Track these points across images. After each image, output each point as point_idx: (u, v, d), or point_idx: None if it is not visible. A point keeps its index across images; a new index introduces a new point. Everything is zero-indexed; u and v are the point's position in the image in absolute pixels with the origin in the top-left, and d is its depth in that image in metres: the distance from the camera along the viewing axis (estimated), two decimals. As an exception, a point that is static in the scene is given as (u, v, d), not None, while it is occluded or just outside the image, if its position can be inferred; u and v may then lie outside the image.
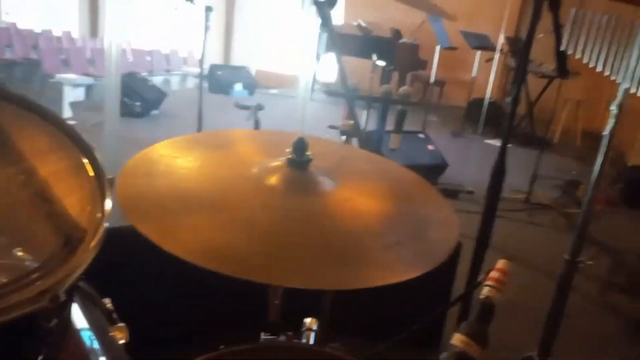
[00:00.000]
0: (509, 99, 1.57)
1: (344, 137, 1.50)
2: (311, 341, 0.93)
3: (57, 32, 9.00)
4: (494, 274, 0.69)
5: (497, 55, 6.49)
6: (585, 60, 1.39)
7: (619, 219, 4.35)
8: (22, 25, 8.65)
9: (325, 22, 1.25)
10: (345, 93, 1.32)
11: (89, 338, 0.95)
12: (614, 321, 2.63)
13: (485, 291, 0.69)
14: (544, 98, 6.58)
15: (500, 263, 0.70)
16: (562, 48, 1.39)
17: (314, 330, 0.97)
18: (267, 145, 1.15)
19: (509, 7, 6.94)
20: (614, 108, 1.37)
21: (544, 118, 6.51)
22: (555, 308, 1.58)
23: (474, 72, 6.83)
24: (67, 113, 5.67)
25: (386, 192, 1.00)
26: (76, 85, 6.30)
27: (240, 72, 9.19)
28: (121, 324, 1.06)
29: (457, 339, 0.65)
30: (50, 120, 0.89)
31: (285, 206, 0.86)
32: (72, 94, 6.16)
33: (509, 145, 1.67)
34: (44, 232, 0.76)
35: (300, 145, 0.91)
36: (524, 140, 6.29)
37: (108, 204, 0.74)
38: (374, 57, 3.33)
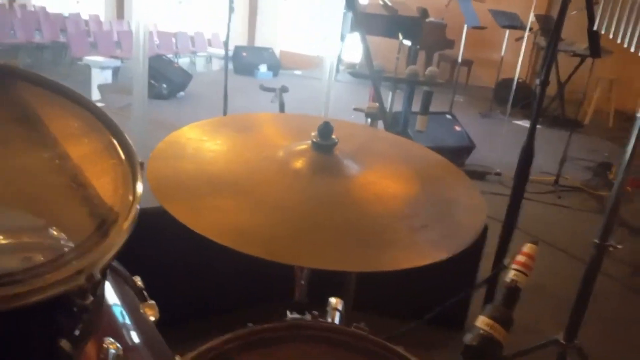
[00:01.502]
0: (538, 80, 1.53)
1: (369, 120, 1.50)
2: (336, 321, 0.94)
3: (84, 16, 9.13)
4: (520, 257, 0.69)
5: (526, 34, 6.31)
6: (618, 40, 1.34)
7: (651, 202, 4.24)
8: (50, 9, 8.80)
9: (350, 1, 1.24)
10: (370, 74, 1.31)
11: (121, 314, 0.99)
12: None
13: (511, 275, 0.68)
14: (575, 78, 6.38)
15: (527, 247, 0.70)
16: (595, 27, 1.34)
17: (339, 310, 0.99)
18: (293, 129, 1.15)
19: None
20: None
21: (576, 98, 6.34)
22: (583, 291, 1.56)
23: (503, 52, 6.66)
24: (95, 95, 5.77)
25: (412, 174, 1.00)
26: (103, 67, 6.39)
27: (264, 54, 9.17)
28: (151, 302, 1.09)
29: (481, 322, 0.65)
30: (81, 103, 0.91)
31: (311, 189, 0.87)
32: (100, 77, 6.26)
33: (539, 127, 1.64)
34: (79, 215, 0.78)
35: (326, 130, 0.91)
36: (554, 121, 6.14)
37: (139, 186, 0.76)
38: (400, 36, 3.27)
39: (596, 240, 1.52)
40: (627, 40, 1.32)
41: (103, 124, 0.88)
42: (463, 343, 0.64)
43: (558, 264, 2.87)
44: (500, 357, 0.64)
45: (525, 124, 6.55)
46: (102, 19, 9.52)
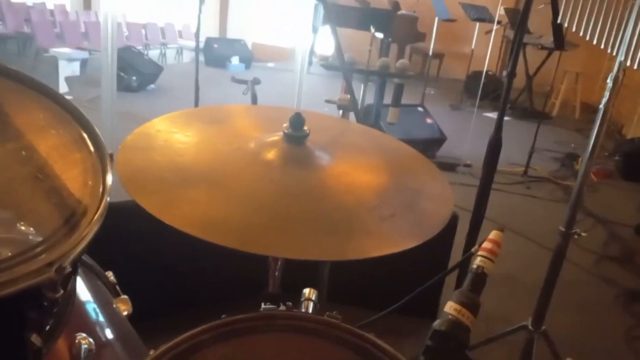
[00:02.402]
0: (505, 72, 1.56)
1: (340, 112, 1.51)
2: (310, 311, 0.96)
3: (49, 5, 8.86)
4: (486, 244, 0.71)
5: (495, 27, 6.42)
6: (581, 33, 1.39)
7: (614, 191, 4.38)
8: (13, -2, 8.51)
9: (320, -4, 1.24)
10: (341, 67, 1.32)
11: (93, 310, 0.98)
12: (608, 291, 2.69)
13: (477, 261, 0.71)
14: (543, 71, 6.55)
15: (493, 234, 0.72)
16: (559, 20, 1.38)
17: (312, 301, 1.00)
18: (265, 120, 1.15)
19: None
20: (609, 81, 1.38)
21: (543, 91, 6.48)
22: (549, 278, 1.61)
23: (473, 45, 6.76)
24: (62, 88, 5.63)
25: (382, 165, 1.01)
26: (71, 59, 6.22)
27: (236, 45, 9.08)
28: (124, 297, 1.08)
29: (450, 307, 0.67)
30: (48, 95, 0.89)
31: (283, 180, 0.88)
32: (68, 69, 6.10)
33: (508, 119, 1.67)
34: (47, 207, 0.77)
35: (297, 121, 0.92)
36: (522, 113, 6.28)
37: (109, 178, 0.75)
38: (372, 29, 3.29)
39: (561, 228, 1.57)
40: (588, 33, 1.36)
41: (71, 116, 0.87)
42: (432, 328, 0.66)
43: (527, 252, 2.95)
44: (468, 341, 0.66)
45: (495, 115, 6.67)
46: (68, 9, 9.26)
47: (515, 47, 1.52)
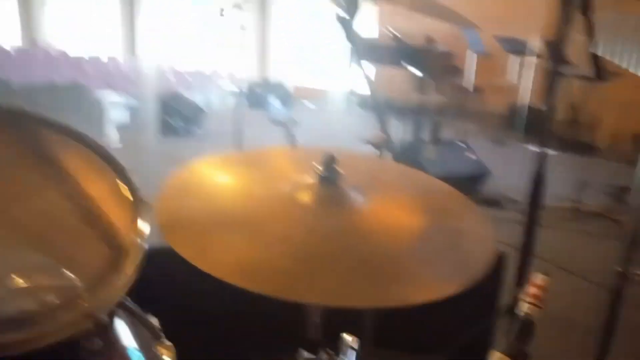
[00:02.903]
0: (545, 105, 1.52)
1: (377, 151, 1.50)
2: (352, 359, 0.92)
3: (103, 58, 9.38)
4: (531, 289, 0.67)
5: (533, 59, 6.32)
6: (618, 62, 1.33)
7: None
8: (69, 51, 9.07)
9: (349, 36, 1.25)
10: (375, 106, 1.32)
11: (137, 357, 0.97)
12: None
13: (524, 308, 0.66)
14: (590, 101, 6.36)
15: (537, 278, 0.68)
16: (595, 51, 1.34)
17: (354, 348, 0.97)
18: (301, 161, 1.15)
19: (546, 9, 6.76)
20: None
21: (591, 122, 6.28)
22: (608, 322, 1.50)
23: (514, 78, 6.67)
24: (112, 135, 5.87)
25: (419, 205, 0.99)
26: (120, 107, 6.51)
27: (277, 88, 9.31)
28: (168, 343, 1.08)
29: (496, 358, 0.63)
30: (86, 144, 0.92)
31: (318, 223, 0.87)
32: (118, 116, 6.38)
33: (555, 153, 1.61)
34: (88, 254, 0.79)
35: (329, 161, 0.91)
36: (570, 146, 6.07)
37: (146, 226, 0.77)
38: (408, 66, 3.29)
39: (618, 268, 1.47)
40: (625, 62, 1.31)
41: (108, 164, 0.89)
42: (477, 380, 0.62)
43: (582, 292, 2.79)
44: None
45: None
46: (120, 59, 9.78)
47: (552, 78, 1.48)
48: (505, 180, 4.65)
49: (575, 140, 6.20)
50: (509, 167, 5.36)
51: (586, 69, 5.82)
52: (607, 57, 1.32)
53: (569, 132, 6.60)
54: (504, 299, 2.01)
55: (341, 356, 0.98)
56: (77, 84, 7.83)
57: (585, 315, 2.41)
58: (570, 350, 2.12)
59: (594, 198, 4.49)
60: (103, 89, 7.07)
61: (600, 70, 1.83)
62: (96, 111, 6.56)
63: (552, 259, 2.83)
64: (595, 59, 1.70)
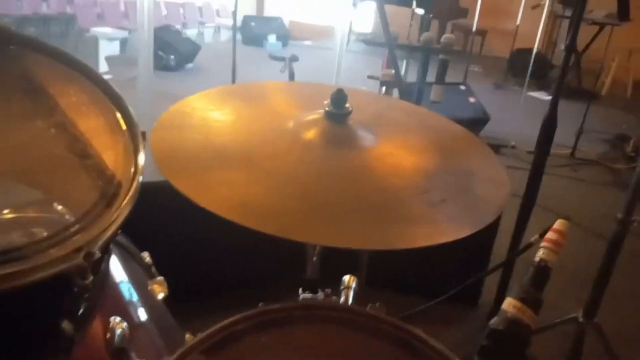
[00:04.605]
0: (562, 48, 1.45)
1: (383, 89, 1.43)
2: (350, 300, 0.91)
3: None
4: (551, 235, 0.64)
5: (547, 1, 6.08)
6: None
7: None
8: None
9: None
10: (386, 40, 1.24)
11: (128, 291, 0.96)
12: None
13: (540, 253, 0.63)
14: (592, 48, 6.21)
15: (558, 223, 0.65)
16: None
17: (353, 289, 0.95)
18: (304, 98, 1.09)
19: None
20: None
21: (593, 69, 6.16)
22: (604, 268, 1.51)
23: (518, 21, 6.46)
24: (102, 67, 5.71)
25: (430, 146, 0.94)
26: (111, 38, 6.30)
27: (273, 24, 9.01)
28: (160, 278, 1.06)
29: (509, 304, 0.60)
30: (85, 73, 0.87)
31: (324, 161, 0.82)
32: (108, 48, 6.18)
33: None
34: (80, 187, 0.75)
35: (339, 97, 0.86)
36: (570, 92, 5.99)
37: (141, 158, 0.72)
38: (413, 4, 3.16)
39: (619, 215, 1.46)
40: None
41: (105, 94, 0.84)
42: (488, 327, 0.60)
43: (574, 238, 2.81)
44: (529, 342, 0.59)
45: (541, 95, 6.39)
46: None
47: (575, 17, 1.39)
48: (504, 126, 4.61)
49: (576, 86, 6.11)
50: (508, 112, 5.31)
51: (597, 12, 5.64)
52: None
53: (569, 78, 6.48)
54: (499, 244, 2.02)
55: (340, 296, 0.96)
56: (65, 15, 7.53)
57: (577, 261, 2.44)
58: (560, 294, 2.15)
59: (591, 145, 4.47)
60: (93, 20, 6.81)
61: (626, 10, 1.74)
62: (85, 42, 6.35)
63: (548, 205, 2.83)
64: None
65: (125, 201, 0.68)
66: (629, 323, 2.13)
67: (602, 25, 5.98)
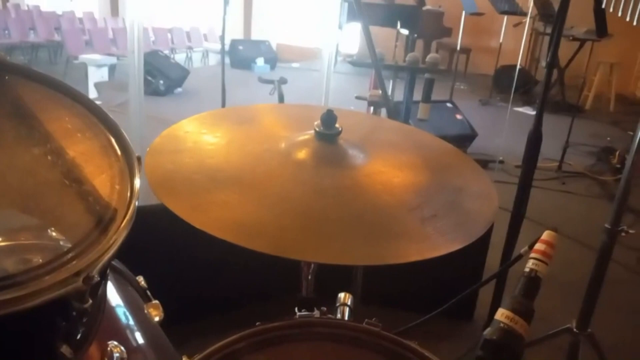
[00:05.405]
0: (543, 64, 1.49)
1: (371, 108, 1.46)
2: (346, 316, 0.92)
3: (78, 14, 9.05)
4: (539, 246, 0.66)
5: (528, 19, 6.23)
6: (627, 18, 1.30)
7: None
8: (44, 7, 8.72)
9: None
10: (372, 62, 1.27)
11: (124, 315, 0.96)
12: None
13: (530, 264, 0.65)
14: (574, 63, 6.35)
15: (546, 234, 0.67)
16: (603, 5, 1.30)
17: (348, 305, 0.96)
18: (294, 119, 1.12)
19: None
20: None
21: (576, 83, 6.27)
22: (595, 278, 1.53)
23: (501, 38, 6.59)
24: (92, 93, 5.72)
25: (419, 163, 0.96)
26: (100, 65, 6.33)
27: (261, 47, 9.11)
28: (155, 301, 1.06)
29: (501, 314, 0.62)
30: (78, 100, 0.88)
31: (316, 180, 0.84)
32: (96, 74, 6.21)
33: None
34: (76, 213, 0.75)
35: (329, 118, 0.88)
36: (554, 106, 6.09)
37: (137, 182, 0.73)
38: (398, 25, 3.22)
39: (607, 225, 1.48)
40: (636, 17, 1.27)
41: (99, 120, 0.85)
42: (482, 337, 0.61)
43: (565, 250, 2.84)
44: (522, 352, 0.61)
45: (527, 110, 6.49)
46: (96, 16, 9.44)
47: (554, 35, 1.44)
48: (491, 141, 4.67)
49: (560, 101, 6.21)
50: (494, 127, 5.38)
51: (577, 29, 5.78)
52: (616, 13, 1.28)
53: (554, 93, 6.60)
54: (491, 258, 2.03)
55: (336, 313, 0.97)
56: (53, 42, 7.58)
57: (566, 272, 2.47)
58: (553, 306, 2.16)
59: (577, 158, 4.54)
60: (81, 46, 6.85)
61: (603, 27, 1.79)
62: (74, 69, 6.37)
63: (538, 218, 2.86)
64: (600, 15, 1.67)
65: (122, 225, 0.69)
66: (622, 333, 2.14)
67: (582, 41, 6.12)
